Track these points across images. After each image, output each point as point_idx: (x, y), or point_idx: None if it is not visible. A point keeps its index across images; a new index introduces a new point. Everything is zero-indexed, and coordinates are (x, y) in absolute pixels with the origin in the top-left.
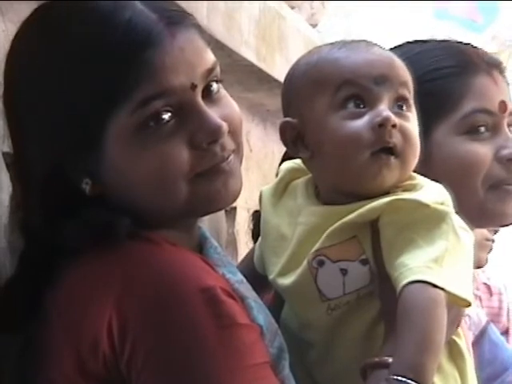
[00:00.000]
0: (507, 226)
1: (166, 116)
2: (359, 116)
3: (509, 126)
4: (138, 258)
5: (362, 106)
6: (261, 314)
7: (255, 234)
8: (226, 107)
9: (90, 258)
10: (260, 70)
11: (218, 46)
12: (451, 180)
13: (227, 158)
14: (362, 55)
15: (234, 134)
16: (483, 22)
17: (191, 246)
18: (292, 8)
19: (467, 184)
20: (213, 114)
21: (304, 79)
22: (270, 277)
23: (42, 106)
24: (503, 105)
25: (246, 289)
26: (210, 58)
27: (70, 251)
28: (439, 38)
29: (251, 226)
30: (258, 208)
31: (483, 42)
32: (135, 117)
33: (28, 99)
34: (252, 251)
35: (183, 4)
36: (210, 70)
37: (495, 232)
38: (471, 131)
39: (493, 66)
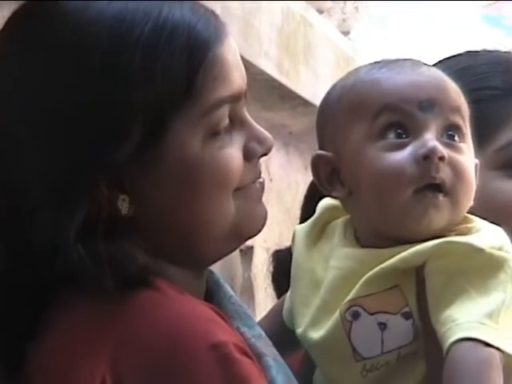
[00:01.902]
0: None
1: (227, 122)
2: (401, 147)
3: None
4: (140, 309)
5: (404, 135)
6: (280, 374)
7: (276, 277)
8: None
9: (87, 301)
10: (282, 86)
11: None
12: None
13: (261, 176)
14: (406, 76)
15: None
16: None
17: (200, 291)
18: (320, 13)
19: (502, 227)
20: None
21: (339, 105)
22: (298, 331)
23: (86, 115)
24: None
25: (264, 345)
26: None
27: (61, 292)
28: (490, 47)
29: (271, 268)
30: (278, 247)
31: None
32: (206, 120)
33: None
34: (280, 303)
35: None
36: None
37: None
38: (509, 166)
39: None
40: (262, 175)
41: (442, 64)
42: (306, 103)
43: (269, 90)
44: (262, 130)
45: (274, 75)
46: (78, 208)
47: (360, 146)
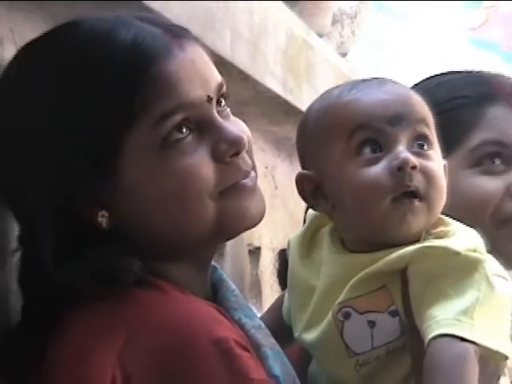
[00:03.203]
0: None
1: (186, 130)
2: (376, 161)
3: None
4: (144, 310)
5: (378, 150)
6: (277, 363)
7: (281, 274)
8: (237, 123)
9: (95, 306)
10: (286, 102)
11: (241, 77)
12: (457, 218)
13: (249, 174)
14: (374, 96)
15: (249, 150)
16: None
17: (203, 290)
18: (320, 36)
19: (473, 222)
20: (231, 126)
21: (316, 128)
22: (296, 334)
23: (48, 137)
24: None
25: (263, 335)
26: (217, 72)
27: (74, 297)
28: (472, 68)
29: (277, 265)
30: (283, 247)
31: None
32: (156, 132)
33: (29, 132)
34: (280, 300)
35: (205, 32)
36: (221, 85)
37: None
38: (481, 164)
39: None
40: (269, 184)
41: (423, 82)
42: None
43: (274, 106)
44: (230, 130)
45: (279, 92)
46: (60, 227)
47: (339, 164)
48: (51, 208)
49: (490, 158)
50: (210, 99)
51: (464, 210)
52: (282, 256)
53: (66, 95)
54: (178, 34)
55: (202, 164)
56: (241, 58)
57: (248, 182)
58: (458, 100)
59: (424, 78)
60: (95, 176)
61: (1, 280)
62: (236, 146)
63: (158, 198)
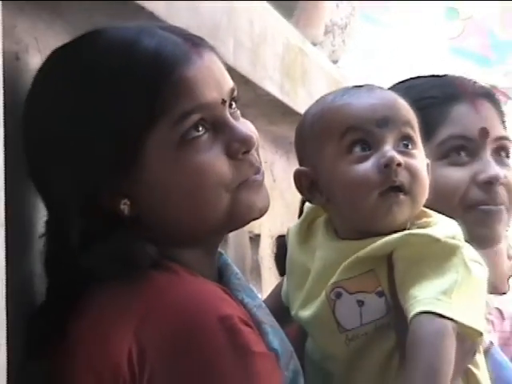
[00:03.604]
0: (487, 248)
1: (202, 129)
2: (365, 159)
3: (498, 150)
4: (158, 289)
5: (367, 149)
6: (276, 338)
7: (278, 257)
8: (246, 123)
9: (114, 286)
10: (283, 104)
11: (243, 81)
12: (430, 204)
13: (260, 170)
14: (363, 100)
15: (256, 148)
16: (496, 58)
17: (211, 273)
18: (314, 45)
19: (444, 207)
20: (242, 126)
21: (311, 130)
22: (292, 312)
23: (80, 135)
24: (484, 131)
25: (263, 314)
26: (229, 78)
27: (95, 278)
28: (449, 73)
29: (274, 250)
30: (281, 234)
31: (496, 77)
32: (175, 131)
33: (63, 131)
34: (279, 286)
35: (210, 40)
36: (233, 89)
37: None
38: (449, 156)
39: (479, 95)
40: (268, 177)
41: (396, 85)
42: None
43: (273, 108)
44: (242, 129)
45: (277, 95)
46: (86, 214)
47: (332, 162)
48: (80, 196)
49: (455, 150)
50: (223, 102)
51: (435, 197)
52: (279, 242)
53: (95, 98)
54: (197, 42)
55: (216, 160)
56: (242, 65)
57: (259, 177)
58: (426, 100)
59: (396, 82)
60: (120, 169)
61: (26, 264)
62: (247, 145)
63: (177, 189)
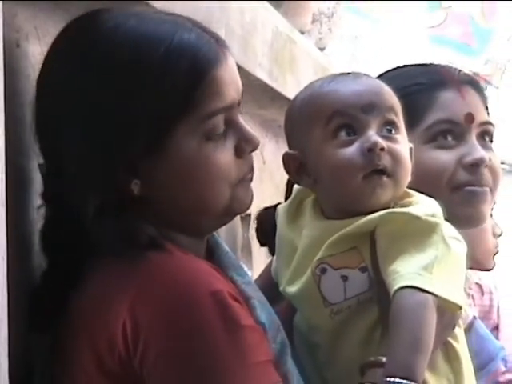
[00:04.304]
0: (473, 227)
1: (222, 128)
2: (350, 143)
3: (483, 134)
4: (153, 267)
5: (352, 134)
6: (264, 312)
7: (260, 232)
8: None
9: (112, 263)
10: (272, 90)
11: None
12: (418, 186)
13: (253, 168)
14: (350, 87)
15: None
16: (477, 46)
17: (202, 252)
18: (302, 33)
19: (432, 189)
20: (248, 127)
21: (300, 114)
22: (281, 288)
23: (110, 107)
24: (469, 116)
25: (252, 289)
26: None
27: (96, 254)
28: (435, 62)
29: (255, 224)
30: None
31: (477, 65)
32: (202, 127)
33: (88, 100)
34: (269, 266)
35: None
36: (241, 90)
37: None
38: (436, 140)
39: (464, 82)
40: (257, 160)
41: (384, 74)
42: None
43: (262, 93)
44: (250, 131)
45: (267, 81)
46: (99, 187)
47: (319, 145)
48: (98, 173)
49: (442, 134)
50: (239, 103)
51: (423, 179)
52: (261, 215)
53: (137, 80)
54: (221, 42)
55: (228, 158)
56: (234, 52)
57: (252, 175)
58: (414, 86)
59: (385, 70)
60: (144, 151)
61: (26, 242)
62: (254, 146)
63: (190, 180)
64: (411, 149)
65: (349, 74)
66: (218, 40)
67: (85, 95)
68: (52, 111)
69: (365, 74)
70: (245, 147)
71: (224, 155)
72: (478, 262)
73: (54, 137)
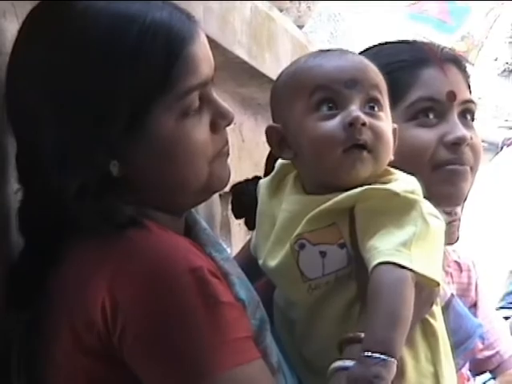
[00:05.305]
0: (453, 205)
1: (198, 105)
2: (332, 117)
3: (464, 113)
4: (131, 244)
5: (334, 108)
6: (243, 288)
7: (235, 206)
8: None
9: (90, 242)
10: (251, 67)
11: (212, 45)
12: (400, 164)
13: (228, 142)
14: (334, 62)
15: None
16: (454, 23)
17: (181, 229)
18: (280, 10)
19: (413, 167)
20: (222, 102)
21: (284, 88)
22: (260, 262)
23: (86, 86)
24: (451, 94)
25: (230, 266)
26: None
27: (74, 232)
28: (409, 39)
29: (231, 197)
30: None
31: (454, 41)
32: (179, 105)
33: (66, 78)
34: (248, 242)
35: (180, 5)
36: (215, 67)
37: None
38: (417, 117)
39: (446, 60)
40: (237, 138)
41: (365, 51)
42: (270, 81)
43: (241, 71)
44: (224, 106)
45: (245, 59)
46: (78, 169)
47: (301, 119)
48: (76, 154)
49: (424, 112)
50: (212, 78)
51: (405, 157)
52: (236, 189)
53: (113, 58)
54: (192, 18)
55: (204, 135)
56: (212, 30)
57: (227, 148)
58: (396, 64)
59: (367, 47)
60: (122, 131)
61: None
62: (229, 120)
63: (168, 159)
64: (395, 129)
65: (335, 50)
66: (189, 16)
67: (59, 77)
68: (26, 94)
69: (351, 52)
70: (220, 122)
71: (201, 132)
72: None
73: (29, 119)
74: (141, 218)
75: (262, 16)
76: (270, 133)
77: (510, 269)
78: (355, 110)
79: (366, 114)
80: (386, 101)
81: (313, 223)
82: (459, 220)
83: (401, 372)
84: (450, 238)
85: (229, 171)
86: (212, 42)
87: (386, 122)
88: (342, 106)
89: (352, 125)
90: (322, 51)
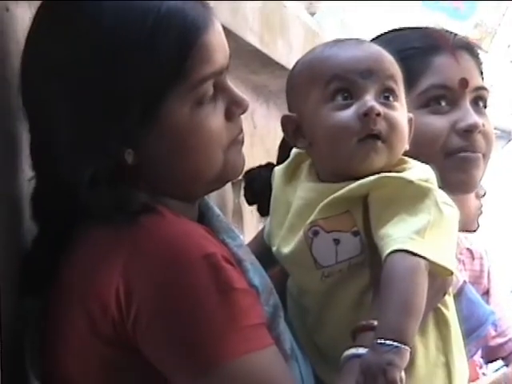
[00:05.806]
0: (465, 193)
1: (213, 93)
2: (347, 107)
3: (476, 100)
4: (144, 231)
5: (349, 98)
6: (256, 275)
7: (248, 191)
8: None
9: (104, 229)
10: (263, 54)
11: (224, 32)
12: (412, 152)
13: (242, 129)
14: (350, 52)
15: None
16: (467, 10)
17: (194, 215)
18: None
19: (425, 154)
20: (236, 90)
21: (300, 77)
22: (273, 249)
23: (101, 75)
24: (463, 81)
25: (244, 252)
26: None
27: (88, 219)
28: (422, 25)
29: (244, 184)
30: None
31: (466, 29)
32: (193, 94)
33: (81, 66)
34: (262, 230)
35: None
36: (230, 55)
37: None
38: (430, 105)
39: (459, 47)
40: (249, 124)
41: (378, 37)
42: (282, 68)
43: (253, 58)
44: (239, 94)
45: (257, 46)
46: (92, 157)
47: (316, 108)
48: (91, 142)
49: (436, 99)
50: (227, 67)
51: (417, 144)
52: (248, 176)
53: (127, 48)
54: (206, 5)
55: (219, 123)
56: (224, 17)
57: (242, 135)
58: (408, 51)
59: (379, 33)
60: (136, 120)
61: (14, 208)
62: (244, 108)
63: (182, 147)
64: (411, 119)
65: (351, 39)
66: (203, 4)
67: (73, 66)
68: (41, 82)
69: (367, 41)
70: (235, 110)
71: (215, 120)
72: (461, 223)
73: (43, 107)
74: (154, 205)
75: (274, 3)
76: (285, 122)
77: None
78: (370, 100)
79: (381, 104)
80: (401, 91)
81: (327, 210)
82: (480, 209)
83: (411, 360)
84: (471, 225)
85: (243, 159)
86: (224, 29)
87: (400, 112)
88: (357, 96)
89: (367, 115)
90: (338, 40)
